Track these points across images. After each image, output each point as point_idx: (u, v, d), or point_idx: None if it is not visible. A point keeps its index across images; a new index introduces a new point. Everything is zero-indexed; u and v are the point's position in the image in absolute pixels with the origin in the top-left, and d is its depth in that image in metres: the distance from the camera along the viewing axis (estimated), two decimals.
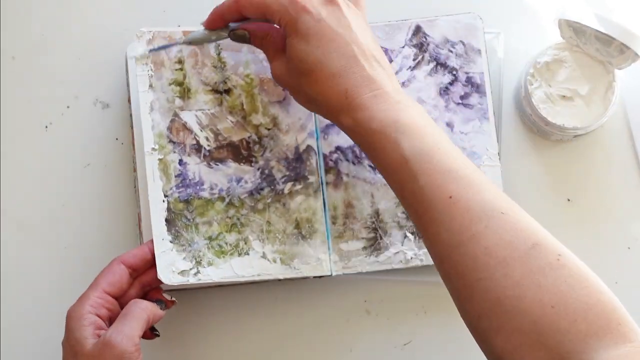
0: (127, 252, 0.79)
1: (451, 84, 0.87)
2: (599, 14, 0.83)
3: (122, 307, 0.77)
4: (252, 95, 0.84)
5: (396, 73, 0.87)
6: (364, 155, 0.86)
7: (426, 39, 0.87)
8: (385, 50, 0.87)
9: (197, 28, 0.81)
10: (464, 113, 0.87)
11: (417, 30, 0.88)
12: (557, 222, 0.90)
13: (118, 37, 0.89)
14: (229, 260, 0.82)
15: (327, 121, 0.84)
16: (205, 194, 0.82)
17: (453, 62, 0.87)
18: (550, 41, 0.89)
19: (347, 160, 0.86)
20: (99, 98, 0.90)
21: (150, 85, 0.82)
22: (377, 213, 0.85)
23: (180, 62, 0.83)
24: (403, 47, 0.87)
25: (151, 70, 0.83)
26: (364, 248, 0.85)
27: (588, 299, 0.64)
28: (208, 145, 0.83)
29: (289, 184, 0.84)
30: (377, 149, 0.72)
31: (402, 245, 0.85)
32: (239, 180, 0.83)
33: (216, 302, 0.88)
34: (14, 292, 0.87)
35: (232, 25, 0.80)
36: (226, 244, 0.82)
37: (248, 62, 0.85)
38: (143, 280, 0.80)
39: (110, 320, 0.77)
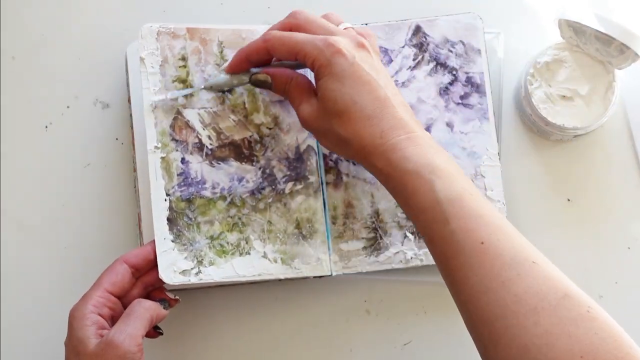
0: (130, 252, 0.79)
1: (451, 83, 0.87)
2: (599, 14, 0.83)
3: (125, 307, 0.77)
4: (253, 94, 0.84)
5: (396, 73, 0.87)
6: None
7: (426, 38, 0.87)
8: (385, 50, 0.87)
9: (200, 24, 0.82)
10: (464, 113, 0.87)
11: (417, 30, 0.88)
12: (557, 222, 0.90)
13: (118, 37, 0.89)
14: (230, 259, 0.81)
15: None
16: (207, 193, 0.82)
17: (453, 62, 0.87)
18: (550, 41, 0.89)
19: (347, 160, 0.86)
20: (99, 98, 0.90)
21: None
22: (377, 213, 0.85)
23: (183, 59, 0.83)
24: (403, 47, 0.87)
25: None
26: (364, 248, 0.85)
27: (617, 352, 0.64)
28: (210, 144, 0.83)
29: (290, 184, 0.84)
30: (409, 190, 0.72)
31: (402, 245, 0.85)
32: (240, 180, 0.83)
33: (216, 302, 0.88)
34: (14, 292, 0.87)
35: (253, 70, 0.81)
36: (227, 243, 0.82)
37: None
38: (146, 280, 0.80)
39: (113, 320, 0.77)
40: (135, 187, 0.86)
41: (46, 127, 0.89)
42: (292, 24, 0.79)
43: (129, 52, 0.86)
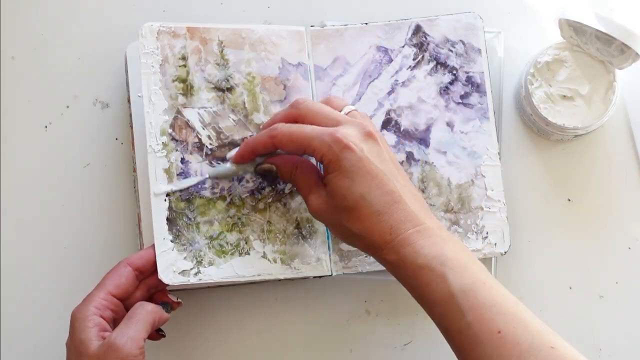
0: (133, 254, 0.79)
1: (451, 83, 0.87)
2: (600, 14, 0.83)
3: (127, 310, 0.77)
4: (253, 94, 0.84)
5: (396, 73, 0.87)
6: None
7: (426, 38, 0.87)
8: (385, 50, 0.87)
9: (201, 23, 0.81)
10: (464, 112, 0.87)
11: (417, 29, 0.88)
12: (557, 222, 0.90)
13: (118, 37, 0.89)
14: (229, 260, 0.81)
15: None
16: (206, 193, 0.82)
17: (453, 61, 0.87)
18: (551, 41, 0.89)
19: None
20: (99, 98, 0.90)
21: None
22: None
23: (184, 58, 0.83)
24: (403, 46, 0.87)
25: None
26: None
27: None
28: (210, 144, 0.83)
29: (290, 184, 0.84)
30: (422, 284, 0.72)
31: None
32: (240, 180, 0.83)
33: (216, 302, 0.88)
34: (14, 292, 0.87)
35: (258, 160, 0.81)
36: (227, 243, 0.82)
37: (250, 60, 0.84)
38: (149, 282, 0.80)
39: (115, 322, 0.76)
40: (135, 187, 0.86)
41: (46, 127, 0.89)
42: (295, 115, 0.79)
43: (128, 51, 0.86)
